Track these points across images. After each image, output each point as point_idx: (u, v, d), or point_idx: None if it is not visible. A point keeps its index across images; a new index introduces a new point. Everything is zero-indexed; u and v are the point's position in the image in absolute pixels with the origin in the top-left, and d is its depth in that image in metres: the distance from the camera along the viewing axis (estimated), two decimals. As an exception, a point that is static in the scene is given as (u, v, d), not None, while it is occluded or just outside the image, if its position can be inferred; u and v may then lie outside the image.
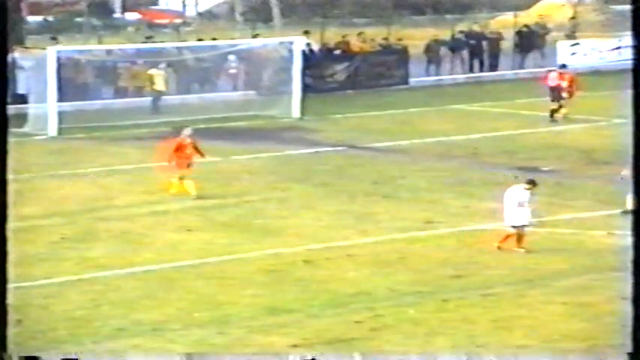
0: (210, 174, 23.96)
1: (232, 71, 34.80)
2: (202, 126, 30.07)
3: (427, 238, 18.56)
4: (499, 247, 17.78)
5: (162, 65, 32.45)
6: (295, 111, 31.19)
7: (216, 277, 16.71)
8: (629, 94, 33.84)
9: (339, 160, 25.43)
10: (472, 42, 37.46)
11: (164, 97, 32.44)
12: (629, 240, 18.17)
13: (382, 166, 24.64)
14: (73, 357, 12.60)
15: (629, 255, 17.56)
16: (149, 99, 32.28)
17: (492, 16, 45.60)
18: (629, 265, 16.61)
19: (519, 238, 17.82)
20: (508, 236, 17.85)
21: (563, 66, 31.16)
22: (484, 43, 37.68)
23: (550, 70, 30.91)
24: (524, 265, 17.11)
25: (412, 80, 36.40)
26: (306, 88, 32.22)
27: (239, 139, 28.12)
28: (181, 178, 21.27)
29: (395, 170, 24.15)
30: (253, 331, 14.43)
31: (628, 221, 19.37)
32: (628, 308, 15.06)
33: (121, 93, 33.17)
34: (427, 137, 27.76)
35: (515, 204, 17.86)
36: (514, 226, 17.86)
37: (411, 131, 28.68)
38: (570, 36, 40.44)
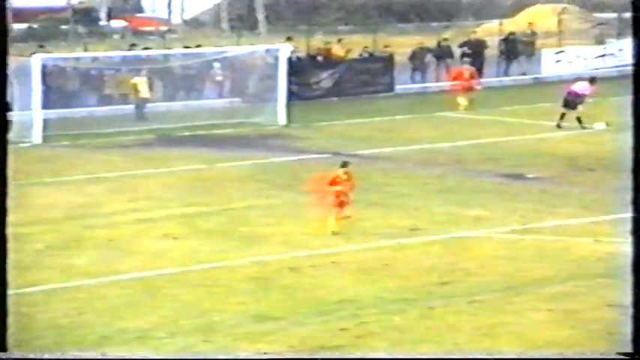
0: (196, 181, 23.93)
1: (218, 78, 34.81)
2: (188, 133, 30.07)
3: (412, 245, 18.56)
4: None
5: (145, 72, 32.42)
6: (281, 118, 31.20)
7: (202, 284, 16.67)
8: (612, 101, 34.15)
9: (324, 168, 25.33)
10: (466, 50, 37.58)
11: (149, 104, 32.41)
12: (614, 247, 18.30)
13: (367, 173, 24.64)
14: (73, 357, 12.55)
15: (618, 261, 17.64)
16: (134, 106, 32.24)
17: (478, 24, 45.74)
18: (629, 269, 16.68)
19: None
20: None
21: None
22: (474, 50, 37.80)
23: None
24: (510, 271, 17.13)
25: (397, 87, 36.46)
26: (291, 96, 32.25)
27: (224, 146, 28.10)
28: (345, 217, 18.99)
29: (380, 177, 24.16)
30: (238, 338, 14.39)
31: (615, 228, 19.51)
32: (614, 315, 15.11)
33: (106, 100, 33.12)
34: (412, 144, 27.79)
35: None
36: None
37: (396, 138, 28.71)
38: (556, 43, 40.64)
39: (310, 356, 13.44)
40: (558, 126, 29.15)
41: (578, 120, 29.18)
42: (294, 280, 16.85)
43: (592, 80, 30.24)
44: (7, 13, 10.23)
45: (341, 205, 18.99)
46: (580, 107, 29.26)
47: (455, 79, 33.98)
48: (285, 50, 32.54)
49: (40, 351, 12.76)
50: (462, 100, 32.92)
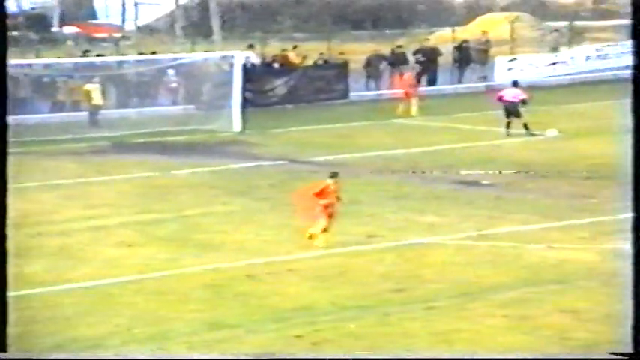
0: (150, 189, 23.81)
1: (172, 85, 34.68)
2: (142, 140, 29.91)
3: (368, 252, 18.59)
4: None
5: (98, 79, 32.23)
6: (235, 125, 31.14)
7: (156, 292, 16.57)
8: (564, 108, 34.18)
9: (279, 175, 25.41)
10: (420, 57, 37.77)
11: (104, 111, 32.21)
12: (566, 253, 18.45)
13: (323, 180, 24.65)
14: (73, 357, 12.43)
15: (570, 267, 17.80)
16: (88, 113, 32.02)
17: (431, 32, 45.98)
18: (581, 275, 16.81)
19: None
20: None
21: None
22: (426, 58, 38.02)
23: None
24: (465, 278, 17.20)
25: (352, 94, 36.55)
26: (246, 103, 32.20)
27: (179, 153, 27.99)
28: (325, 230, 18.49)
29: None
30: (193, 346, 14.33)
31: (567, 235, 19.67)
32: (566, 320, 15.23)
33: (58, 107, 32.88)
34: (367, 151, 27.85)
35: None
36: None
37: (351, 145, 28.76)
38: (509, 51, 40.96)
39: (311, 356, 13.42)
40: (508, 134, 29.27)
41: (525, 126, 29.25)
42: (249, 288, 16.81)
43: (515, 84, 30.44)
44: (5, 18, 10.18)
45: (329, 217, 18.47)
46: (523, 113, 29.31)
47: (397, 85, 34.28)
48: (239, 57, 32.50)
49: (40, 351, 12.63)
50: (405, 106, 33.19)
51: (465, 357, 13.94)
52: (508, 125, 29.39)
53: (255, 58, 36.34)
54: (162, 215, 21.31)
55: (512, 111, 29.37)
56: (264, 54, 37.44)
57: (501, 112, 33.09)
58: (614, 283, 16.87)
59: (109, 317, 15.36)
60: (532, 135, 29.05)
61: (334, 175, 18.87)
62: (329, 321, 15.25)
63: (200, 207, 22.02)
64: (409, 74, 34.61)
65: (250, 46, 37.32)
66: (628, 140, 32.28)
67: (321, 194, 18.42)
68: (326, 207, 18.42)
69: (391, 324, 15.16)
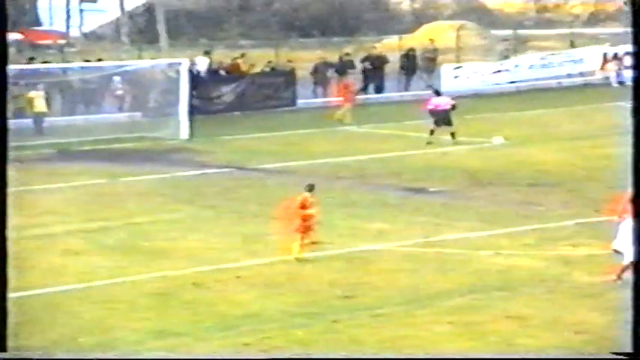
0: (97, 196, 23.63)
1: (118, 92, 34.47)
2: (88, 148, 29.68)
3: (316, 259, 18.60)
4: (619, 278, 16.53)
5: (42, 86, 31.94)
6: (183, 132, 31.03)
7: (103, 300, 16.44)
8: (509, 116, 34.32)
9: (227, 182, 25.35)
10: (368, 65, 37.92)
11: (49, 118, 31.91)
12: (512, 260, 18.60)
13: (271, 187, 24.65)
14: (73, 357, 12.28)
15: (516, 273, 17.93)
16: (32, 121, 31.71)
17: (378, 39, 46.19)
18: (527, 282, 16.96)
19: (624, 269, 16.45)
20: (625, 268, 16.44)
21: None
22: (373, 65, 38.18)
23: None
24: (413, 285, 17.28)
25: (300, 102, 36.58)
26: (193, 110, 32.09)
27: (126, 160, 27.81)
28: (314, 243, 18.39)
29: (283, 191, 24.13)
30: (140, 355, 14.24)
31: (513, 241, 19.83)
32: (513, 326, 15.36)
33: (2, 114, 32.45)
34: (315, 158, 27.89)
35: (631, 237, 16.94)
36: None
37: (298, 152, 28.78)
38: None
39: (309, 356, 13.38)
40: (455, 143, 29.31)
41: (452, 135, 29.20)
42: (197, 296, 16.74)
43: (437, 92, 30.52)
44: (6, 22, 10.07)
45: (308, 229, 18.31)
46: (452, 121, 29.28)
47: (340, 92, 34.45)
48: (186, 64, 32.39)
49: (40, 351, 12.46)
50: (342, 113, 33.34)
51: (465, 357, 13.99)
52: (453, 135, 29.33)
53: (202, 65, 36.26)
54: (109, 223, 21.15)
55: (443, 119, 29.17)
56: (211, 61, 37.34)
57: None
58: (559, 289, 17.05)
59: (54, 326, 15.21)
60: (456, 144, 28.99)
61: (311, 188, 18.60)
62: (277, 328, 15.24)
63: (147, 215, 21.89)
64: (347, 81, 34.76)
65: (207, 52, 37.37)
66: (572, 147, 32.73)
67: (302, 207, 18.26)
68: (305, 220, 18.25)
69: (339, 331, 15.18)
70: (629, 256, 16.47)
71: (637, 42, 12.28)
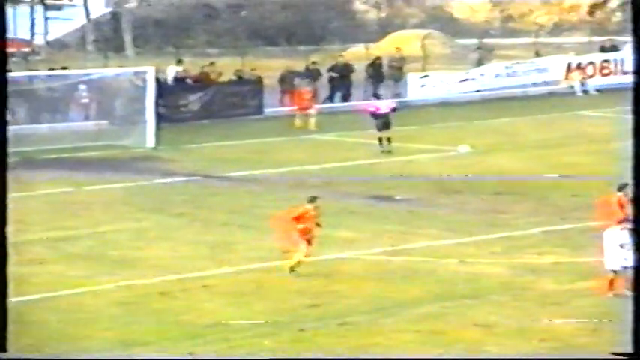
0: (63, 205, 23.49)
1: (84, 101, 34.29)
2: (53, 156, 29.49)
3: (283, 268, 18.58)
4: (615, 295, 16.49)
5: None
6: (149, 141, 30.91)
7: (69, 310, 16.34)
8: (475, 124, 34.38)
9: (194, 190, 25.28)
10: (334, 74, 37.93)
11: (13, 127, 31.59)
12: (479, 267, 18.68)
13: (238, 195, 24.61)
14: (73, 357, 12.18)
15: (483, 281, 18.00)
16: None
17: (345, 48, 46.26)
18: (493, 290, 17.02)
19: (625, 279, 16.26)
20: (613, 280, 16.64)
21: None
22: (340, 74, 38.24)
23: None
24: (380, 293, 17.31)
25: (267, 110, 36.56)
26: (160, 118, 31.97)
27: (92, 169, 27.67)
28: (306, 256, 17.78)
29: (250, 200, 24.15)
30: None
31: (480, 249, 19.91)
32: (479, 334, 15.41)
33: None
34: (282, 167, 27.88)
35: (616, 246, 16.64)
36: (616, 270, 16.62)
37: (266, 161, 28.76)
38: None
39: (309, 356, 13.33)
40: (383, 151, 28.82)
41: (388, 140, 28.94)
42: (163, 305, 16.68)
43: (377, 96, 30.46)
44: (6, 25, 10.02)
45: (308, 242, 17.84)
46: (391, 125, 28.99)
47: (296, 99, 34.50)
48: (152, 72, 32.29)
49: (40, 351, 12.35)
50: (300, 120, 33.43)
51: (465, 357, 14.01)
52: (381, 141, 28.98)
53: (173, 74, 36.21)
54: (75, 232, 21.03)
55: (384, 123, 29.00)
56: (183, 69, 37.27)
57: (417, 129, 33.44)
58: (526, 297, 17.14)
59: (19, 336, 15.08)
60: (389, 152, 28.88)
61: (313, 200, 18.11)
62: (244, 337, 15.21)
63: (114, 223, 21.79)
64: (306, 89, 34.82)
65: (179, 61, 37.36)
66: (538, 155, 32.98)
67: (299, 219, 17.82)
68: (303, 232, 17.79)
69: (306, 339, 15.17)
70: (611, 265, 16.57)
71: (637, 47, 12.38)
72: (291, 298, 17.00)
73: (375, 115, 29.47)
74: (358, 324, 15.86)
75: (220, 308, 16.51)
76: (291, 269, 18.02)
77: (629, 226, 16.84)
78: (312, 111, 33.85)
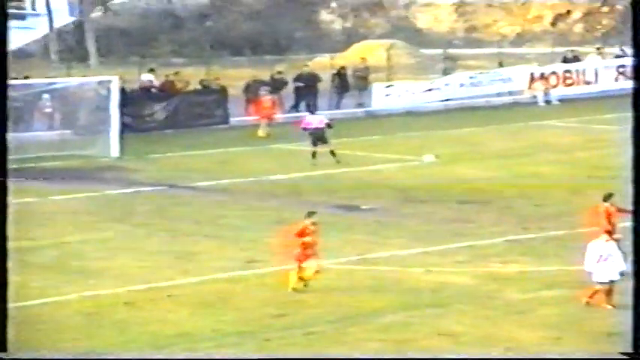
0: (26, 215, 23.29)
1: (47, 110, 34.09)
2: (16, 166, 29.24)
3: (249, 278, 18.56)
4: (587, 303, 16.41)
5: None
6: (114, 150, 30.77)
7: (31, 321, 16.21)
8: (439, 134, 34.50)
9: (159, 200, 25.19)
10: (300, 83, 37.96)
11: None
12: (444, 277, 18.74)
13: (203, 205, 24.55)
14: (73, 357, 12.06)
15: (448, 290, 18.05)
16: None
17: (310, 58, 46.32)
18: (459, 299, 17.05)
19: (608, 293, 16.34)
20: (596, 292, 16.51)
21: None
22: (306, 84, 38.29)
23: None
24: (345, 303, 17.31)
25: (232, 120, 36.51)
26: (124, 128, 31.85)
27: (55, 179, 27.50)
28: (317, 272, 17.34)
29: (216, 210, 24.09)
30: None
31: (445, 259, 19.97)
32: (444, 343, 15.46)
33: None
34: (248, 176, 27.84)
35: (598, 258, 16.40)
36: (601, 282, 16.43)
37: (232, 170, 28.71)
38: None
39: (311, 356, 13.26)
40: (314, 164, 28.73)
41: (332, 153, 28.82)
42: (128, 315, 16.59)
43: (311, 111, 30.41)
44: (7, 33, 9.94)
45: (307, 257, 17.50)
46: (329, 140, 28.97)
47: (257, 109, 34.58)
48: (116, 82, 32.18)
49: (40, 351, 12.21)
50: (263, 130, 33.35)
51: (465, 357, 14.01)
52: (314, 155, 28.86)
53: (144, 82, 36.15)
54: (39, 242, 20.88)
55: (319, 138, 29.03)
56: (150, 77, 37.16)
57: (381, 138, 33.53)
58: (490, 306, 17.21)
59: (-17, 347, 14.96)
60: (338, 162, 28.85)
61: (311, 215, 17.72)
62: (209, 347, 15.16)
63: (78, 233, 21.66)
64: (268, 98, 34.92)
65: (151, 70, 37.28)
66: (501, 165, 33.11)
67: (301, 235, 17.48)
68: (306, 247, 17.46)
69: (271, 349, 15.16)
70: (598, 277, 16.58)
71: (637, 53, 12.48)
72: (256, 308, 16.97)
73: (306, 130, 29.51)
74: (324, 333, 15.86)
75: (185, 318, 16.45)
76: (305, 284, 17.57)
77: (616, 236, 16.95)
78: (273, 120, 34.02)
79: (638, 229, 13.28)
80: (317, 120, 29.79)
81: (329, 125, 29.56)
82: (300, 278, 17.68)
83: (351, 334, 15.84)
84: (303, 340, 15.52)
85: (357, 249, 20.47)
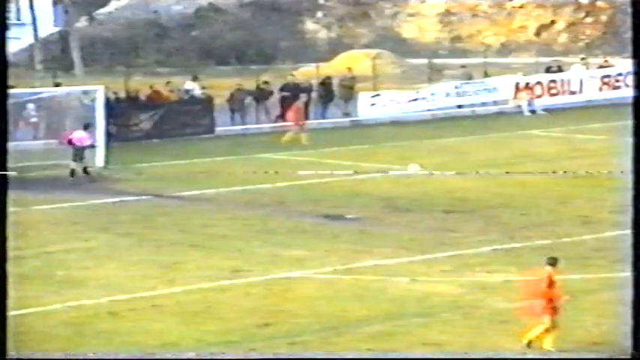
0: (10, 225, 23.17)
1: (32, 120, 34.00)
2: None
3: (234, 287, 18.51)
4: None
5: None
6: (99, 160, 30.69)
7: (15, 331, 16.10)
8: (425, 143, 34.55)
9: (144, 210, 25.12)
10: (286, 93, 37.96)
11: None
12: (430, 286, 18.73)
13: (189, 214, 24.50)
14: (73, 357, 11.98)
15: (433, 300, 18.04)
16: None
17: (295, 67, 46.35)
18: (444, 309, 17.10)
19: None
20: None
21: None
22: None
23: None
24: (331, 312, 17.29)
25: (218, 129, 36.48)
26: (110, 137, 31.77)
27: (40, 188, 27.41)
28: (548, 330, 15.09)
29: (202, 219, 24.04)
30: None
31: (430, 268, 19.97)
32: (429, 354, 15.44)
33: None
34: (233, 186, 27.80)
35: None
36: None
37: (217, 180, 28.67)
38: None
39: (310, 356, 13.20)
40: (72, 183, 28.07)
41: (85, 170, 28.50)
42: (112, 325, 16.52)
43: (86, 127, 29.61)
44: (6, 35, 9.88)
45: (555, 311, 15.22)
46: (85, 158, 28.64)
47: (295, 115, 34.51)
48: (102, 91, 32.10)
49: (39, 352, 12.11)
50: (294, 135, 33.72)
51: (465, 357, 13.96)
52: (72, 173, 28.48)
53: (119, 93, 36.05)
54: (22, 252, 20.77)
55: (79, 155, 28.60)
56: (127, 88, 37.08)
57: (367, 148, 33.54)
58: (476, 315, 17.20)
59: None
60: (93, 182, 28.14)
61: (554, 262, 15.29)
62: (194, 358, 15.09)
63: (62, 243, 21.58)
64: (297, 106, 35.06)
65: (195, 78, 37.49)
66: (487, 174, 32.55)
67: (549, 287, 15.15)
68: (551, 301, 15.13)
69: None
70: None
71: (637, 61, 12.51)
72: (241, 318, 16.92)
73: (70, 144, 29.02)
74: (309, 343, 15.82)
75: (170, 328, 16.39)
76: (529, 344, 15.40)
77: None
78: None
79: (637, 230, 13.28)
80: (83, 137, 28.99)
81: (92, 146, 29.18)
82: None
83: (337, 344, 15.81)
84: (289, 350, 15.49)
85: (342, 258, 20.44)
